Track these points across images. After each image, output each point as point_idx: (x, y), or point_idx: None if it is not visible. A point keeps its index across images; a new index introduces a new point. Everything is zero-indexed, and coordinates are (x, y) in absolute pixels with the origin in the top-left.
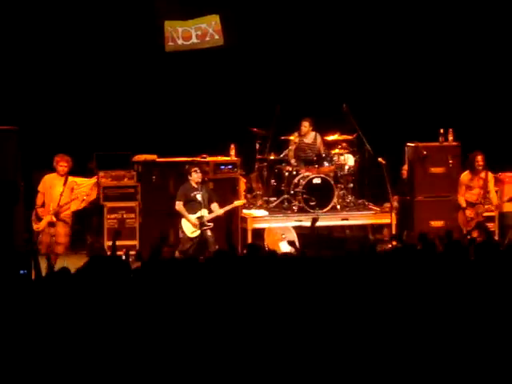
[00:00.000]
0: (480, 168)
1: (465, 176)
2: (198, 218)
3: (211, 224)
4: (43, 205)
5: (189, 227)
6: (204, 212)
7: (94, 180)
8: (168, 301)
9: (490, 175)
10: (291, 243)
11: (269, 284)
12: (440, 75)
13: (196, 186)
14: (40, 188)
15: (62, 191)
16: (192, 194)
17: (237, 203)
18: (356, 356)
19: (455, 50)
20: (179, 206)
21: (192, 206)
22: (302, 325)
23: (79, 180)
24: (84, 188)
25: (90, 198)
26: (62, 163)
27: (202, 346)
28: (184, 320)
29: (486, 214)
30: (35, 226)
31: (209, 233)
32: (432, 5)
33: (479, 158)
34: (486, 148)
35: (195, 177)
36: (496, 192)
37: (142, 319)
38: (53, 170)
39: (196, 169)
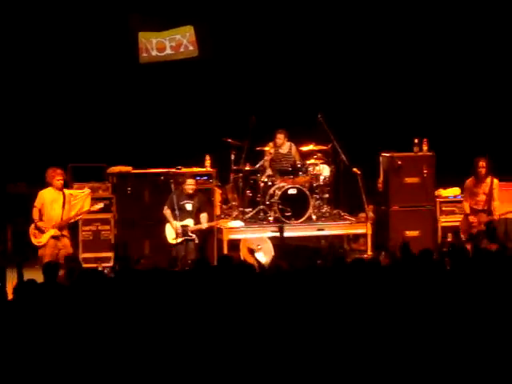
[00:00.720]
0: (483, 173)
1: (469, 182)
2: (182, 226)
3: (193, 236)
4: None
5: (171, 233)
6: (189, 222)
7: (87, 191)
8: (137, 312)
9: (496, 182)
10: (250, 251)
11: (236, 294)
12: (414, 85)
13: (188, 195)
14: (37, 203)
15: (63, 205)
16: (181, 203)
17: (221, 222)
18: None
19: (428, 61)
20: (165, 211)
21: (179, 214)
22: (265, 335)
23: (74, 192)
24: (79, 200)
25: (84, 209)
26: (59, 177)
27: (171, 355)
28: (153, 331)
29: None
30: (36, 241)
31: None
32: (404, 16)
33: (482, 162)
34: (461, 157)
35: (188, 188)
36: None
37: (112, 329)
38: (41, 184)
39: (192, 180)
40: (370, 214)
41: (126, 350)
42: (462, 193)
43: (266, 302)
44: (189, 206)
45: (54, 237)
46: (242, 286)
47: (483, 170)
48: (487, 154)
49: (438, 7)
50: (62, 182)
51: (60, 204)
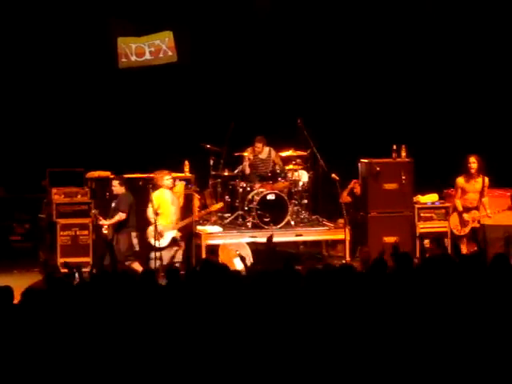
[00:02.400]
0: (474, 170)
1: (460, 180)
2: None
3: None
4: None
5: None
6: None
7: (182, 184)
8: (116, 316)
9: (487, 180)
10: (242, 258)
11: (218, 299)
12: (393, 92)
13: (115, 195)
14: (153, 205)
15: (178, 204)
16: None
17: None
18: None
19: (406, 68)
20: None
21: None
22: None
23: (175, 189)
24: (180, 195)
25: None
26: (167, 176)
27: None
28: (133, 336)
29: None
30: (157, 243)
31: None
32: (381, 25)
33: (472, 159)
34: (440, 164)
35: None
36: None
37: (90, 334)
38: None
39: (114, 181)
40: (357, 189)
41: (106, 355)
42: (441, 197)
43: (252, 305)
44: (113, 205)
45: (174, 239)
46: (227, 289)
47: (474, 166)
48: (456, 159)
49: (414, 15)
50: (171, 180)
51: (176, 205)
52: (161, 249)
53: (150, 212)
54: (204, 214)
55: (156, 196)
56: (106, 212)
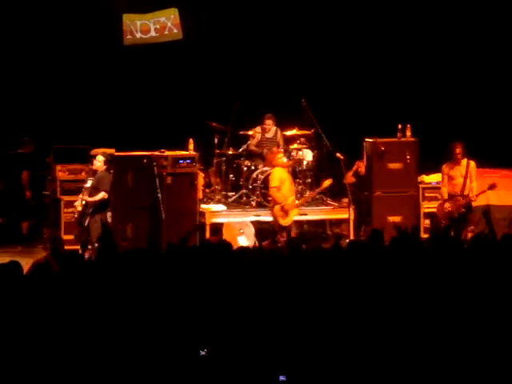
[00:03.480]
0: (459, 157)
1: (446, 167)
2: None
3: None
4: None
5: None
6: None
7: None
8: (122, 293)
9: (472, 164)
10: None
11: (222, 278)
12: (398, 71)
13: (93, 171)
14: (275, 184)
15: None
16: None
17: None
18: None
19: (412, 46)
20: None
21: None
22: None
23: None
24: None
25: None
26: (281, 155)
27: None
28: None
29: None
30: (284, 222)
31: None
32: (386, 3)
33: (458, 149)
34: (445, 143)
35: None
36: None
37: (96, 313)
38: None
39: (99, 157)
40: (361, 168)
41: (111, 332)
42: None
43: (255, 284)
44: (88, 183)
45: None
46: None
47: (460, 155)
48: (461, 138)
49: None
50: (285, 158)
51: (289, 182)
52: (287, 227)
53: (273, 191)
54: (317, 192)
55: (277, 175)
56: (110, 190)
